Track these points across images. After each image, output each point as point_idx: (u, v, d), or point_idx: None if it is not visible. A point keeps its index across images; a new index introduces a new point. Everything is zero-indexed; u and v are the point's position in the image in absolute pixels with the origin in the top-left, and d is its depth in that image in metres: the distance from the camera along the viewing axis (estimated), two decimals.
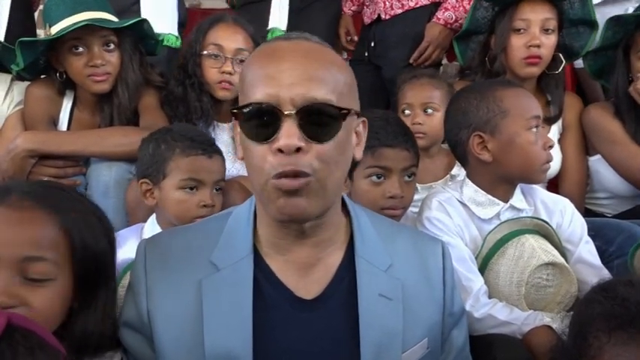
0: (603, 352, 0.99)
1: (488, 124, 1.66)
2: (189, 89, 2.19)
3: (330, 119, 1.08)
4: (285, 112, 1.05)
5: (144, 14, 2.38)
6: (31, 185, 1.22)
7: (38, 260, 1.10)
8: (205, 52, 2.18)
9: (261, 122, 1.07)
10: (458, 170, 2.14)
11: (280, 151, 1.05)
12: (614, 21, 2.20)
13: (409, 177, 1.76)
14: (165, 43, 2.41)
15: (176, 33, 2.43)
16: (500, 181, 1.69)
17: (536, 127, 1.65)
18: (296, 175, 1.06)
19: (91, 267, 1.17)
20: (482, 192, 1.69)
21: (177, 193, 1.77)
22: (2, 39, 2.29)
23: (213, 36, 2.19)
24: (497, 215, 1.69)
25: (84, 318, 1.17)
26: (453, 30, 2.68)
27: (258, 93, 1.07)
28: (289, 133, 1.05)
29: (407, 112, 2.19)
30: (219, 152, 1.84)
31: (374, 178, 1.71)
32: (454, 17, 2.68)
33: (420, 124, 2.15)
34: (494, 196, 1.69)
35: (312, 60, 1.10)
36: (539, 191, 1.78)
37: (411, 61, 2.73)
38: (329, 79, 1.09)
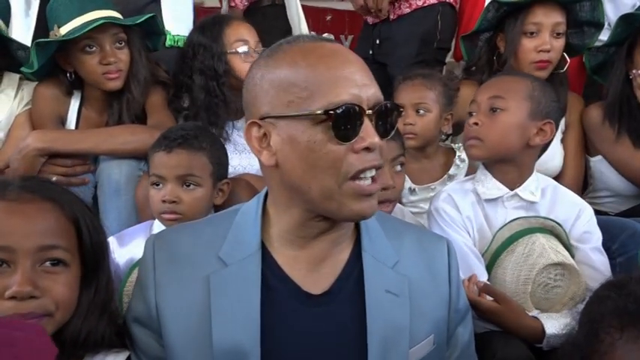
0: (615, 349, 1.00)
1: None
2: (226, 90, 2.16)
3: (393, 117, 1.15)
4: (367, 112, 1.09)
5: (164, 17, 2.39)
6: (25, 179, 1.21)
7: (54, 248, 1.12)
8: (233, 50, 2.17)
9: (346, 123, 1.07)
10: (455, 170, 2.16)
11: (366, 149, 1.08)
12: (625, 19, 2.20)
13: (401, 166, 1.78)
14: (178, 44, 2.41)
15: None
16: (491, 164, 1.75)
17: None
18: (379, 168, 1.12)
19: (96, 256, 1.20)
20: (490, 175, 1.73)
21: (150, 190, 1.79)
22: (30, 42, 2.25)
23: (235, 33, 2.19)
24: (502, 200, 1.71)
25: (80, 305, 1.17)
26: None
27: (343, 94, 1.07)
28: (372, 132, 1.09)
29: None
30: (187, 146, 1.75)
31: None
32: None
33: (411, 124, 2.15)
34: (500, 180, 1.72)
35: (363, 62, 1.15)
36: (562, 192, 1.77)
37: None
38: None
